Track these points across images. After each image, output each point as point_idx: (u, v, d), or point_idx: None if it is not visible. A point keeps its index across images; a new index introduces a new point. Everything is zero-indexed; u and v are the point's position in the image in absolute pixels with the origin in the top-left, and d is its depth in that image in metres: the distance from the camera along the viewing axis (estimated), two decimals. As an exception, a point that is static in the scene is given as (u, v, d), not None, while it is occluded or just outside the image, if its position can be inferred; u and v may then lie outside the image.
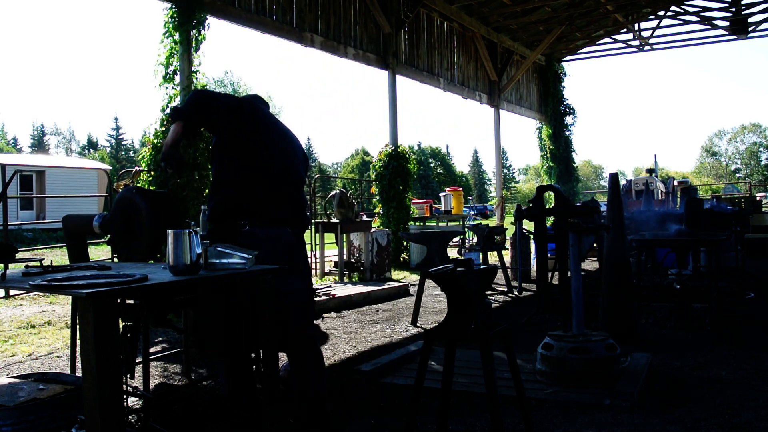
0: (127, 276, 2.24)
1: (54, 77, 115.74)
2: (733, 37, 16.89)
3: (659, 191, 14.39)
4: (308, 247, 7.84)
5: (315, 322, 3.29)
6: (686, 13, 16.01)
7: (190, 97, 3.02)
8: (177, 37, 7.53)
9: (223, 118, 3.01)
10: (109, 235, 3.36)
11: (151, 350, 4.96)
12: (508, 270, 9.16)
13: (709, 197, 14.47)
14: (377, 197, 12.20)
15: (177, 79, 7.55)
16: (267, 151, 3.06)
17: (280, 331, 2.93)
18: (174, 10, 7.55)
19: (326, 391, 3.04)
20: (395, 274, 10.63)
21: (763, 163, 79.83)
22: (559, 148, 18.47)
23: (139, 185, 7.14)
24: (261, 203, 3.01)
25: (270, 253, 2.92)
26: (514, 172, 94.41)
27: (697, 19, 16.29)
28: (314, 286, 3.45)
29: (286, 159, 3.15)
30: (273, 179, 3.05)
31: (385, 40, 12.11)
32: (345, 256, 9.98)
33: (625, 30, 17.00)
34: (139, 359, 3.55)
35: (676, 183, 14.88)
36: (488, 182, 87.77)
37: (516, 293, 8.48)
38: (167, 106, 7.49)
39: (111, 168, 28.69)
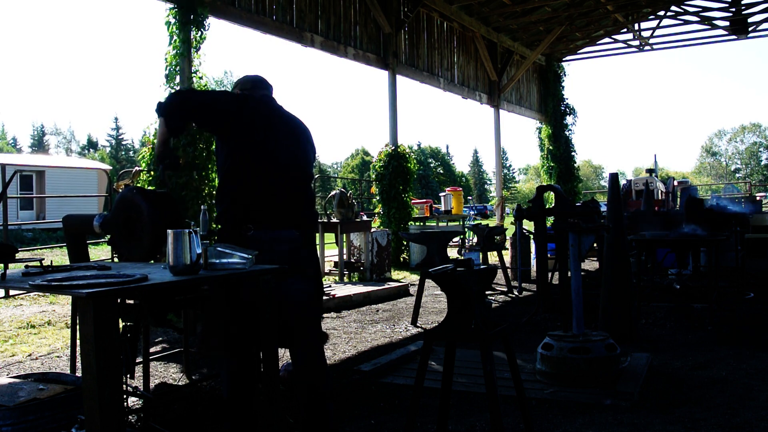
0: (127, 276, 2.24)
1: (54, 77, 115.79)
2: (733, 37, 16.88)
3: (659, 191, 14.39)
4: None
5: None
6: (686, 13, 16.00)
7: (171, 94, 3.05)
8: (178, 36, 7.54)
9: (211, 117, 3.03)
10: (109, 235, 3.36)
11: (151, 350, 4.96)
12: (508, 270, 9.16)
13: (710, 197, 14.46)
14: (377, 197, 12.20)
15: (177, 78, 7.56)
16: (270, 152, 3.02)
17: (282, 331, 2.93)
18: (175, 10, 7.55)
19: (330, 390, 3.04)
20: (395, 274, 10.63)
21: (763, 163, 79.86)
22: (559, 148, 18.46)
23: (138, 185, 7.14)
24: (266, 207, 2.99)
25: (273, 255, 2.91)
26: (514, 172, 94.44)
27: (697, 19, 16.28)
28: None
29: (291, 157, 3.11)
30: (277, 181, 3.02)
31: (385, 40, 12.11)
32: (345, 256, 9.98)
33: (625, 30, 16.99)
34: (139, 359, 3.55)
35: (676, 183, 14.87)
36: (488, 182, 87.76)
37: (516, 293, 8.49)
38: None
39: (111, 168, 28.67)
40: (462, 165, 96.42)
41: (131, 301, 2.86)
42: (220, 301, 2.90)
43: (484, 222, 15.98)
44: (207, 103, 3.03)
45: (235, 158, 3.00)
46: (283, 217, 3.03)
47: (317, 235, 10.04)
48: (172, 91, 7.54)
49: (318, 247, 10.21)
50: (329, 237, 11.29)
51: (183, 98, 3.04)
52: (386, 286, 8.58)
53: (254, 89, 3.24)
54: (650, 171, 15.56)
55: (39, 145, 71.05)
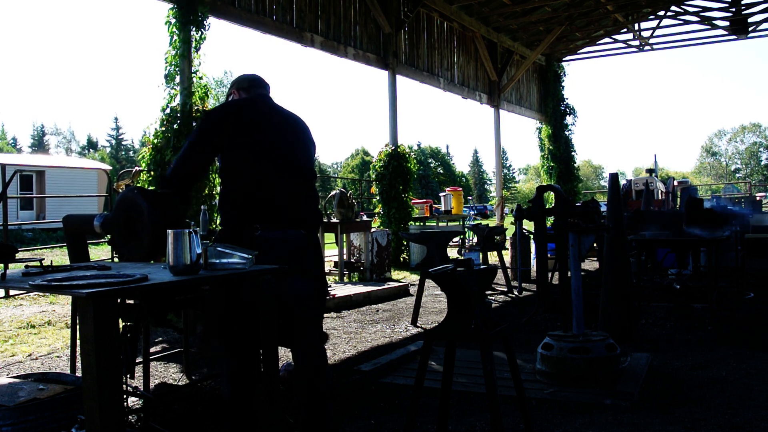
0: (127, 276, 2.24)
1: (54, 77, 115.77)
2: (733, 37, 16.89)
3: (659, 191, 14.39)
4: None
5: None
6: (686, 13, 16.01)
7: (172, 165, 3.07)
8: (178, 36, 7.54)
9: (216, 150, 3.06)
10: (110, 235, 3.35)
11: (151, 350, 4.96)
12: (508, 270, 9.16)
13: (709, 197, 14.46)
14: (377, 197, 12.20)
15: (177, 78, 7.55)
16: (271, 151, 3.02)
17: (283, 330, 2.93)
18: (175, 10, 7.55)
19: (330, 390, 3.04)
20: (395, 274, 10.63)
21: (763, 163, 79.92)
22: (559, 148, 18.46)
23: (138, 185, 7.14)
24: (271, 207, 2.98)
25: (278, 255, 2.91)
26: (514, 172, 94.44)
27: (697, 19, 16.29)
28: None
29: (293, 155, 3.10)
30: (281, 180, 3.01)
31: (385, 40, 12.11)
32: (345, 256, 9.98)
33: (625, 30, 16.99)
34: (139, 359, 3.55)
35: (676, 183, 14.86)
36: (488, 182, 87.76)
37: (516, 293, 8.48)
38: (167, 106, 7.50)
39: (111, 168, 28.67)
40: (462, 165, 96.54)
41: (131, 301, 2.86)
42: (220, 301, 2.89)
43: (484, 222, 15.98)
44: (205, 140, 3.03)
45: (237, 159, 2.99)
46: (289, 216, 3.02)
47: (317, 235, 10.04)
48: (172, 90, 7.53)
49: (318, 247, 10.20)
50: (329, 237, 11.29)
51: (182, 161, 3.04)
52: (386, 286, 8.58)
53: (251, 88, 3.22)
54: (650, 171, 15.55)
55: (39, 145, 71.03)
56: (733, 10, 15.59)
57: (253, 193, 2.97)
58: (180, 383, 4.32)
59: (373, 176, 12.35)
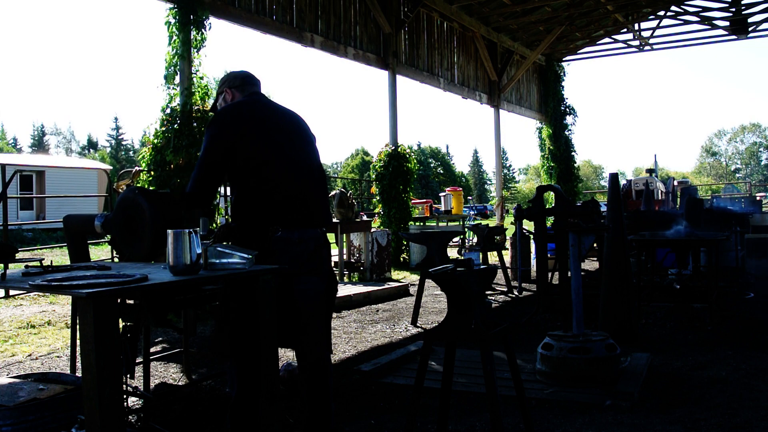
0: (127, 276, 2.24)
1: (54, 77, 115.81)
2: (733, 37, 16.88)
3: (659, 191, 14.39)
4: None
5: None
6: (686, 13, 16.00)
7: (192, 181, 2.99)
8: (178, 37, 7.54)
9: (230, 155, 2.95)
10: (110, 235, 3.35)
11: (151, 350, 4.96)
12: (508, 270, 9.16)
13: (710, 197, 14.47)
14: (377, 197, 12.20)
15: (177, 79, 7.55)
16: (283, 153, 2.97)
17: (288, 330, 2.93)
18: (175, 10, 7.54)
19: (331, 391, 3.04)
20: (395, 274, 10.63)
21: (763, 163, 79.99)
22: (559, 148, 18.46)
23: (138, 185, 7.14)
24: (290, 208, 2.95)
25: (300, 254, 2.90)
26: (514, 172, 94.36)
27: (697, 19, 16.28)
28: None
29: (302, 155, 3.07)
30: (296, 181, 2.99)
31: (385, 40, 12.10)
32: (345, 256, 9.98)
33: (625, 30, 16.99)
34: (139, 359, 3.55)
35: (676, 183, 14.86)
36: (488, 182, 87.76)
37: (516, 293, 8.48)
38: (167, 106, 7.49)
39: (111, 168, 28.65)
40: (462, 165, 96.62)
41: (131, 301, 2.86)
42: (232, 302, 2.89)
43: (484, 222, 15.98)
44: (212, 168, 2.96)
45: (251, 162, 2.93)
46: (306, 216, 3.02)
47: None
48: (172, 90, 7.51)
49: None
50: (329, 237, 11.28)
51: (198, 196, 2.98)
52: (386, 286, 8.58)
53: (244, 86, 3.17)
54: (650, 171, 15.55)
55: (39, 145, 71.04)
56: (733, 10, 15.58)
57: (271, 195, 2.95)
58: (180, 383, 4.32)
59: (373, 176, 12.35)
